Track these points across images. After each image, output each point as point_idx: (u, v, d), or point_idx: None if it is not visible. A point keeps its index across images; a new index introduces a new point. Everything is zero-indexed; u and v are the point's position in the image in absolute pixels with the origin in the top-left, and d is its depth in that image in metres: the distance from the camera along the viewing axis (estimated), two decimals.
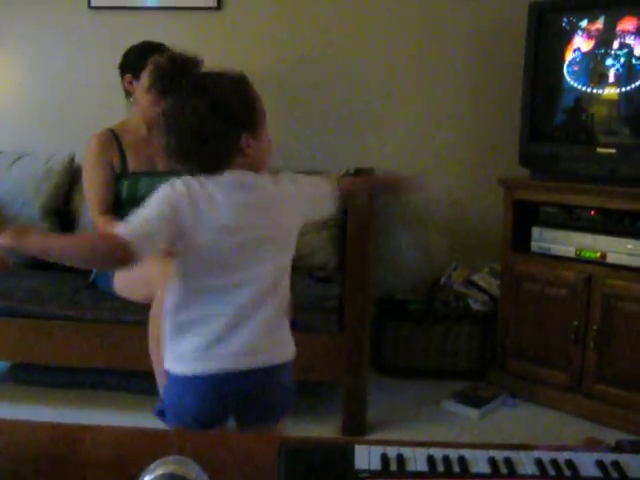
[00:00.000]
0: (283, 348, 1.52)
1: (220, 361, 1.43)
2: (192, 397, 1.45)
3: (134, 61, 2.71)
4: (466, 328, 3.05)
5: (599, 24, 2.68)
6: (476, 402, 2.81)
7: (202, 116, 1.42)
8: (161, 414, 1.55)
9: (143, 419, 2.48)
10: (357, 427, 2.57)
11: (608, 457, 1.06)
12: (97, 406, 2.74)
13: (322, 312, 2.57)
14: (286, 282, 1.53)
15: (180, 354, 1.45)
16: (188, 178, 1.46)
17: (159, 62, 1.48)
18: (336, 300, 2.59)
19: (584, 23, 2.72)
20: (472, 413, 2.76)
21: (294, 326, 1.57)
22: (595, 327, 2.68)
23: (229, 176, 1.46)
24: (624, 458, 1.06)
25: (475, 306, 3.08)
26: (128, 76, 2.72)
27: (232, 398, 1.46)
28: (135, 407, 2.70)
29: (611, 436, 1.26)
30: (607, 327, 2.66)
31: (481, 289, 3.11)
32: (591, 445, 1.23)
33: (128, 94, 2.76)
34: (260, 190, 1.49)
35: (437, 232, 3.39)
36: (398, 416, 2.75)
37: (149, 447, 1.05)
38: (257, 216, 1.46)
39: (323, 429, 2.58)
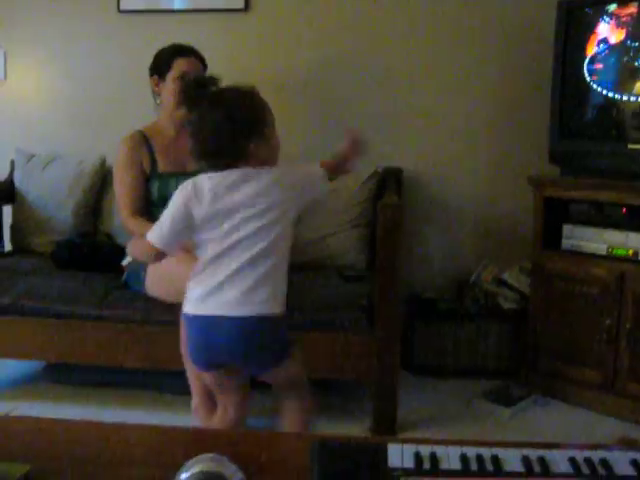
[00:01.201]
0: (263, 305, 1.81)
1: (210, 308, 1.81)
2: (193, 331, 1.88)
3: (161, 63, 2.74)
4: (496, 327, 3.04)
5: (629, 15, 2.65)
6: (507, 401, 2.79)
7: (218, 126, 1.80)
8: None
9: (176, 418, 2.53)
10: (388, 426, 2.56)
11: None
12: (130, 405, 2.77)
13: (352, 311, 2.57)
14: (279, 254, 1.84)
15: (189, 299, 1.87)
16: (198, 177, 1.86)
17: (185, 83, 1.95)
18: (366, 299, 2.60)
19: (611, 16, 2.70)
20: (503, 412, 2.74)
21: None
22: (628, 325, 2.65)
23: (237, 171, 1.83)
24: None
25: (505, 304, 3.07)
26: (155, 78, 2.75)
27: (219, 336, 1.82)
28: (167, 406, 2.73)
29: None
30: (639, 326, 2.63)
31: (511, 287, 3.10)
32: (625, 444, 1.22)
33: (156, 96, 2.79)
34: (257, 179, 1.82)
35: (467, 230, 3.38)
36: (429, 415, 2.74)
37: (184, 445, 1.06)
38: (250, 199, 1.80)
39: (354, 428, 2.58)
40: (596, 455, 1.06)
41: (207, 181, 1.83)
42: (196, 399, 2.43)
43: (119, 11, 3.39)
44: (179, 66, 2.71)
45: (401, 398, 2.64)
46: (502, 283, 3.12)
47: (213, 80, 1.86)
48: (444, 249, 3.39)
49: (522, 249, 3.11)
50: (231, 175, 1.82)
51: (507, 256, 3.24)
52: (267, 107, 1.90)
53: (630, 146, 2.69)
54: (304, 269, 2.94)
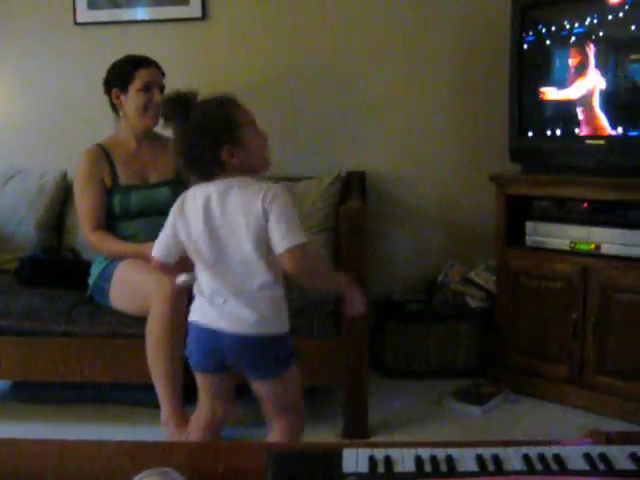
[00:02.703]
0: (260, 324, 1.83)
1: (211, 319, 1.86)
2: (197, 337, 1.92)
3: (120, 75, 2.72)
4: (465, 326, 3.06)
5: (582, 16, 2.69)
6: (478, 399, 2.81)
7: (189, 139, 1.83)
8: None
9: (145, 432, 2.51)
10: (359, 430, 2.57)
11: (596, 450, 1.06)
12: (99, 420, 2.74)
13: (319, 317, 2.57)
14: (261, 273, 1.82)
15: (193, 307, 1.93)
16: (188, 191, 1.91)
17: (164, 99, 1.94)
18: (332, 304, 2.59)
19: (566, 14, 2.73)
20: (475, 410, 2.76)
21: None
22: (593, 319, 2.68)
23: (217, 183, 1.84)
24: (612, 450, 1.06)
25: (473, 303, 3.09)
26: (115, 90, 2.72)
27: (221, 344, 1.86)
28: (137, 420, 2.71)
29: (614, 427, 1.26)
30: (605, 318, 2.66)
31: (478, 286, 3.12)
32: (594, 436, 1.23)
33: (116, 109, 2.76)
34: (236, 195, 1.81)
35: (432, 231, 3.40)
36: (401, 417, 2.75)
37: (137, 460, 1.05)
38: (229, 215, 1.81)
39: (325, 434, 2.58)
40: (550, 451, 1.06)
41: (192, 193, 1.88)
42: (165, 412, 2.42)
43: (75, 24, 3.36)
44: (142, 77, 2.69)
45: (372, 401, 2.65)
46: (469, 282, 3.14)
47: (192, 94, 1.86)
48: (411, 250, 3.40)
49: (488, 248, 3.13)
50: (217, 186, 1.83)
51: (474, 255, 3.27)
52: (239, 110, 1.88)
53: (588, 142, 2.72)
54: None
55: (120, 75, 2.73)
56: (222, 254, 1.83)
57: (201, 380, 2.00)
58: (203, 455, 1.12)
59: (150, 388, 2.43)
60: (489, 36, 3.21)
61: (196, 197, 1.85)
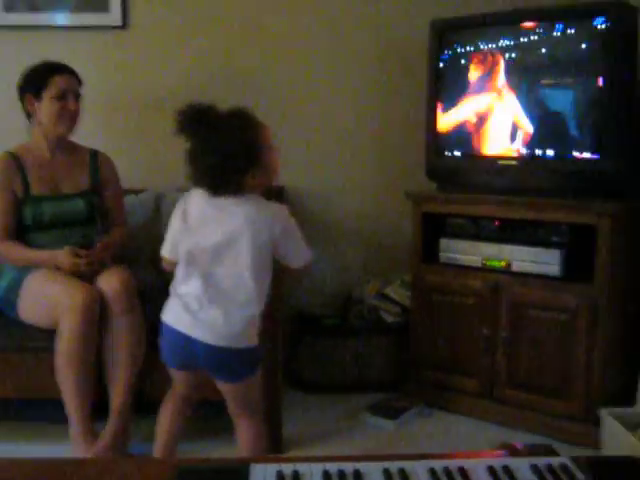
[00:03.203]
0: (235, 338, 1.92)
1: (186, 326, 1.92)
2: (170, 339, 1.99)
3: (35, 81, 2.64)
4: (380, 340, 3.09)
5: (495, 38, 2.77)
6: (392, 413, 2.84)
7: (215, 159, 1.86)
8: None
9: (53, 448, 2.44)
10: (273, 445, 2.54)
11: (499, 462, 1.09)
12: (5, 437, 2.65)
13: None
14: (250, 288, 1.92)
15: (168, 308, 2.00)
16: (191, 197, 1.98)
17: (182, 110, 1.92)
18: None
19: (480, 38, 2.81)
20: (388, 425, 2.79)
21: None
22: (504, 334, 2.75)
23: (228, 198, 1.91)
24: (515, 462, 1.09)
25: (388, 318, 3.12)
26: (29, 96, 2.65)
27: (194, 349, 1.93)
28: (44, 436, 2.62)
29: (525, 440, 1.29)
30: (515, 333, 2.73)
31: (393, 301, 3.15)
32: (504, 449, 1.26)
33: (29, 115, 2.69)
34: (247, 212, 1.90)
35: (349, 247, 3.43)
36: (315, 431, 2.75)
37: (45, 477, 1.02)
38: (235, 229, 1.89)
39: (237, 449, 2.55)
40: (454, 464, 1.08)
41: (197, 200, 1.95)
42: (74, 428, 2.35)
43: None
44: (57, 84, 2.61)
45: (287, 415, 2.64)
46: (385, 297, 3.17)
47: (211, 108, 1.91)
48: (328, 265, 3.41)
49: (403, 263, 3.17)
50: (227, 200, 1.91)
51: (390, 270, 3.31)
52: (264, 131, 1.96)
53: (500, 162, 2.80)
54: None
55: (34, 81, 2.65)
56: (217, 264, 1.91)
57: (174, 373, 2.09)
58: (112, 471, 1.09)
59: (58, 403, 2.36)
60: (408, 57, 3.28)
61: (204, 205, 1.93)
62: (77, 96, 2.67)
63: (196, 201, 1.96)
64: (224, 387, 2.03)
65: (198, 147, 1.90)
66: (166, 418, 2.16)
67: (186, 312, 1.92)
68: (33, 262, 2.55)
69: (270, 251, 1.95)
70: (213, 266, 1.92)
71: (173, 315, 1.97)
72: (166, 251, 2.04)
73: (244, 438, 2.12)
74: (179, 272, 1.98)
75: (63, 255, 2.49)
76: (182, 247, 1.95)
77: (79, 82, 2.70)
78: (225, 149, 1.86)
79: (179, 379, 2.10)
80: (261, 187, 1.96)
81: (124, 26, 3.28)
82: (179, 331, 1.94)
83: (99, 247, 2.54)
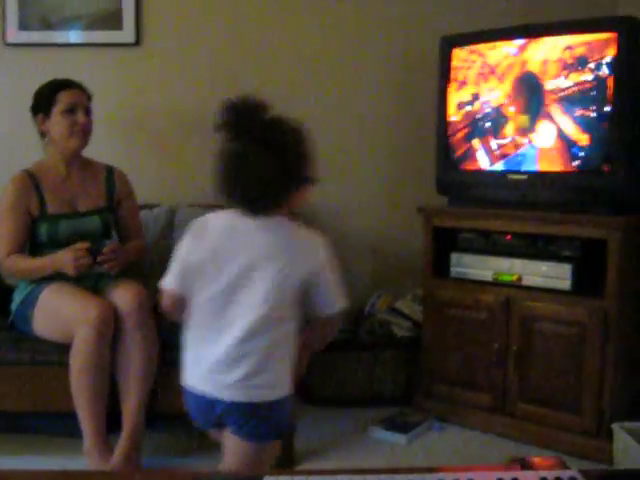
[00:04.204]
0: (265, 390, 1.63)
1: (208, 386, 1.63)
2: (190, 402, 1.69)
3: (43, 100, 2.66)
4: (392, 355, 3.10)
5: (504, 53, 2.79)
6: (403, 428, 2.84)
7: (269, 169, 1.55)
8: None
9: (68, 461, 2.45)
10: (286, 458, 2.56)
11: (508, 475, 1.09)
12: (19, 451, 2.66)
13: None
14: (279, 330, 1.63)
15: (186, 367, 1.69)
16: (211, 217, 1.67)
17: (231, 101, 1.63)
18: None
19: (490, 53, 2.83)
20: (400, 439, 2.79)
21: None
22: (515, 348, 2.75)
23: (261, 219, 1.61)
24: (525, 475, 1.10)
25: (399, 333, 3.13)
26: (40, 116, 2.67)
27: (216, 409, 1.64)
28: (59, 449, 2.64)
29: (535, 454, 1.30)
30: (526, 348, 2.74)
31: (405, 316, 3.16)
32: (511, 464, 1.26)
33: (43, 135, 2.71)
34: (284, 238, 1.63)
35: (361, 262, 3.44)
36: (327, 445, 2.76)
37: None
38: (269, 254, 1.60)
39: None
40: (466, 476, 1.09)
41: (222, 221, 1.65)
42: (88, 442, 2.37)
43: (5, 44, 3.31)
44: (64, 99, 2.63)
45: (300, 430, 2.65)
46: (396, 312, 3.18)
47: (263, 106, 1.64)
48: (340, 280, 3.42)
49: (414, 278, 3.19)
50: (261, 222, 1.62)
51: (401, 285, 3.32)
52: (311, 154, 1.68)
53: (510, 177, 2.81)
54: None
55: (42, 100, 2.67)
56: (243, 294, 1.60)
57: (212, 434, 1.79)
58: None
59: (73, 417, 2.38)
60: (419, 74, 3.30)
61: (232, 227, 1.63)
62: (87, 109, 2.69)
63: (221, 223, 1.66)
64: (234, 442, 1.69)
65: (252, 152, 1.56)
66: None
67: (205, 371, 1.64)
68: (38, 270, 2.57)
69: (298, 289, 1.64)
70: (236, 297, 1.61)
71: (189, 374, 1.68)
72: (170, 282, 1.69)
73: None
74: (193, 316, 1.68)
75: (65, 259, 2.50)
76: (200, 276, 1.64)
77: (88, 96, 2.72)
78: (284, 156, 1.58)
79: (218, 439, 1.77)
80: (287, 212, 1.67)
81: (137, 43, 3.32)
82: (198, 393, 1.65)
83: (107, 249, 2.53)
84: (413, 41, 3.32)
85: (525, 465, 1.20)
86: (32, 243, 2.66)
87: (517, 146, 2.80)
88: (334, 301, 1.68)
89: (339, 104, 3.37)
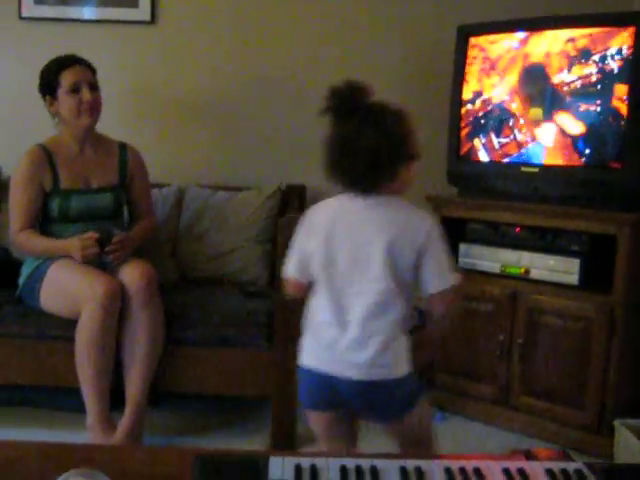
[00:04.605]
0: (388, 369, 1.65)
1: (328, 364, 1.65)
2: (308, 383, 1.71)
3: (48, 81, 2.64)
4: None
5: (522, 45, 2.78)
6: None
7: (377, 145, 1.60)
8: None
9: (70, 435, 2.47)
10: (287, 441, 2.57)
11: (514, 465, 1.10)
12: (22, 424, 2.68)
13: (252, 327, 2.58)
14: (398, 308, 1.67)
15: (304, 349, 1.71)
16: (321, 205, 1.74)
17: (337, 87, 1.72)
18: (266, 315, 2.60)
19: (507, 44, 2.82)
20: None
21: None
22: (520, 341, 2.75)
23: (368, 198, 1.65)
24: (530, 466, 1.10)
25: None
26: (49, 98, 2.66)
27: (338, 389, 1.65)
28: (61, 424, 2.65)
29: (537, 447, 1.30)
30: (531, 341, 2.73)
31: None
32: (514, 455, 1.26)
33: (53, 115, 2.70)
34: (394, 215, 1.66)
35: None
36: None
37: (60, 461, 1.04)
38: (372, 232, 1.63)
39: (254, 444, 2.57)
40: (470, 465, 1.09)
41: (326, 205, 1.74)
42: (91, 417, 2.38)
43: (20, 18, 3.30)
44: (67, 79, 2.60)
45: (301, 413, 2.65)
46: None
47: (366, 90, 1.71)
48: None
49: None
50: (368, 201, 1.66)
51: None
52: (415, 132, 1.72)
53: (523, 169, 2.80)
54: (206, 284, 2.95)
55: (47, 82, 2.65)
56: (359, 273, 1.63)
57: (319, 420, 1.77)
58: (129, 458, 1.11)
59: (76, 392, 2.39)
60: (432, 62, 3.28)
61: (343, 209, 1.69)
62: (92, 86, 2.65)
63: (332, 210, 1.71)
64: (385, 428, 1.78)
65: (351, 131, 1.64)
66: None
67: (327, 350, 1.66)
68: (48, 251, 2.58)
69: (412, 267, 1.65)
70: (354, 277, 1.64)
71: (310, 354, 1.70)
72: (291, 271, 1.75)
73: None
74: (313, 300, 1.71)
75: (74, 247, 2.52)
76: (313, 265, 1.69)
77: (92, 71, 2.69)
78: (393, 131, 1.64)
79: (322, 426, 1.78)
80: (396, 191, 1.70)
81: (153, 21, 3.31)
82: (318, 372, 1.66)
83: (115, 240, 2.53)
84: (429, 29, 3.29)
85: (529, 456, 1.21)
86: (43, 217, 2.66)
87: (531, 139, 2.78)
88: (447, 276, 1.69)
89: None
